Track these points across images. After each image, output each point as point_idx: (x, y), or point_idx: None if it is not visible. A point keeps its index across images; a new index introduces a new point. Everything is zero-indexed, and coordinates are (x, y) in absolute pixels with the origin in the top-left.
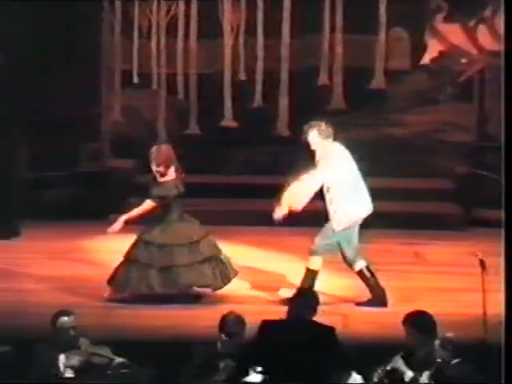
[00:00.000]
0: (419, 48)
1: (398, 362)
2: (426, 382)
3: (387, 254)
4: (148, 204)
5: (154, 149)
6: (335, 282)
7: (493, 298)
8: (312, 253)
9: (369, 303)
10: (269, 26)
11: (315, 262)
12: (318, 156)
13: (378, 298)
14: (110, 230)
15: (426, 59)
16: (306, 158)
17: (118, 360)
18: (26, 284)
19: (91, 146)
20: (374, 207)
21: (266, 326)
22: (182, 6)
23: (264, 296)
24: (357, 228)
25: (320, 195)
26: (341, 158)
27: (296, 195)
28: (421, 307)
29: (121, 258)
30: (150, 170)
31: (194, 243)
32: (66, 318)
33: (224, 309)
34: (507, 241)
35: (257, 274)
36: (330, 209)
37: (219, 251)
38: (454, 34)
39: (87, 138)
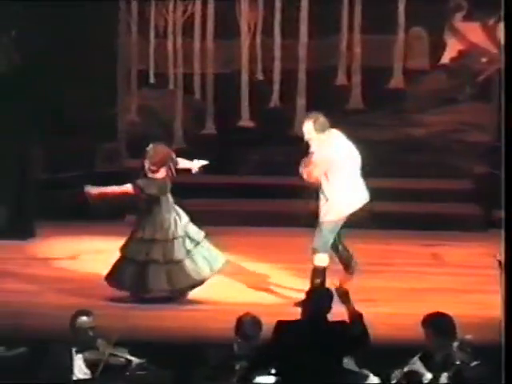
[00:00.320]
0: (438, 47)
1: (417, 364)
2: (445, 383)
3: (405, 256)
4: (126, 187)
5: (150, 147)
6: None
7: None
8: (314, 251)
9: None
10: (286, 25)
11: (320, 259)
12: (312, 148)
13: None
14: (87, 188)
15: (445, 58)
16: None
17: (136, 361)
18: (41, 285)
19: (107, 146)
20: (392, 208)
21: (282, 326)
22: (198, 6)
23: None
24: (340, 224)
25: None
26: (337, 159)
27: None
28: (437, 309)
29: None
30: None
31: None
32: (85, 318)
33: (240, 310)
34: (507, 241)
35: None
36: (321, 201)
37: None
38: (474, 32)
39: (104, 139)
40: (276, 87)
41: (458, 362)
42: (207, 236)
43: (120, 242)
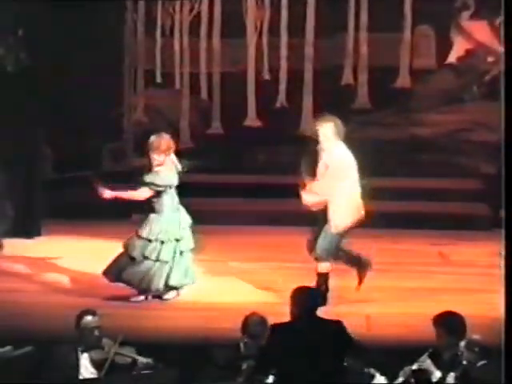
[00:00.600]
0: (445, 46)
1: (426, 362)
2: (452, 383)
3: (411, 255)
4: (143, 192)
5: (154, 137)
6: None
7: None
8: (317, 259)
9: None
10: (293, 24)
11: (323, 267)
12: (323, 156)
13: None
14: (101, 191)
15: (452, 58)
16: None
17: (143, 360)
18: (48, 284)
19: (114, 145)
20: (399, 207)
21: (276, 329)
22: (205, 5)
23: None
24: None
25: None
26: (347, 166)
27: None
28: (444, 308)
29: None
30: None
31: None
32: (90, 318)
33: (247, 309)
34: (507, 241)
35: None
36: (330, 212)
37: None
38: (481, 31)
39: (110, 138)
40: (282, 86)
41: (464, 362)
42: (196, 247)
43: None
